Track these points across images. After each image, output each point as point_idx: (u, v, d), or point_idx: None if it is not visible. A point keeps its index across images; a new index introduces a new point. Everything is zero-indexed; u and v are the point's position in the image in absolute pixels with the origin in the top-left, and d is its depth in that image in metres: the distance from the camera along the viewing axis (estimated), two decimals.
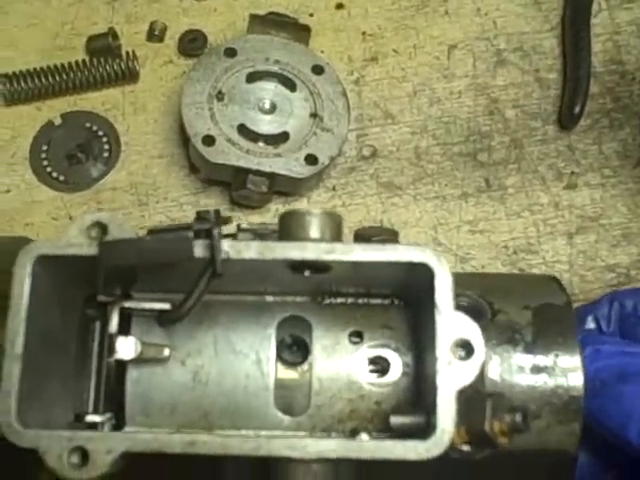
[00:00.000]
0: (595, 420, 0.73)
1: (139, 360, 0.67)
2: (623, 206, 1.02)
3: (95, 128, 1.03)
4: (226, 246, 0.61)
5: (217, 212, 0.69)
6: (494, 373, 0.69)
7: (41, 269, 0.62)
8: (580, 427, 0.69)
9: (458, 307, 0.63)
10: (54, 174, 1.01)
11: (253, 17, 1.02)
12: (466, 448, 0.67)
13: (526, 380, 0.70)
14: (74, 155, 1.02)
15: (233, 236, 0.72)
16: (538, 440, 0.69)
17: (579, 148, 1.04)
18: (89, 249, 0.61)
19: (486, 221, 1.01)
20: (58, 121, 1.04)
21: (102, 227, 0.62)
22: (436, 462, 0.61)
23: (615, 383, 0.73)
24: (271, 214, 1.00)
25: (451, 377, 0.59)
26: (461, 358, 0.59)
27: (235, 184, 0.95)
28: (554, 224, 1.01)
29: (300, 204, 1.01)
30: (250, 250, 0.61)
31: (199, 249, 0.61)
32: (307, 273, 0.64)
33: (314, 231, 0.63)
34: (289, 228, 0.64)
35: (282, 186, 0.97)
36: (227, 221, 0.68)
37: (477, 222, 1.01)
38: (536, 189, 1.02)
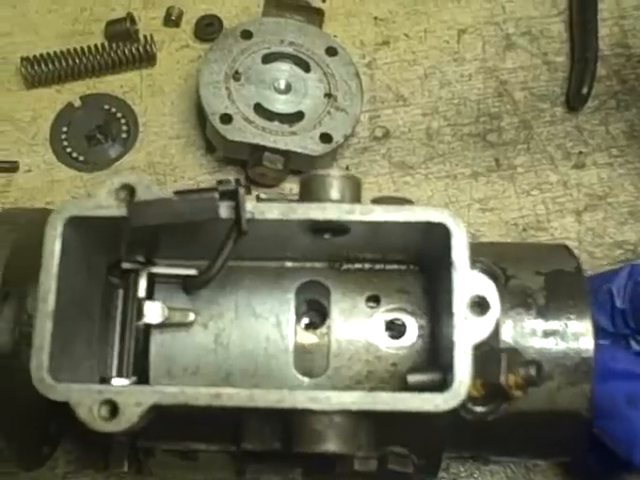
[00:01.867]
0: (602, 437, 0.75)
1: (164, 324, 0.69)
2: (630, 185, 1.03)
3: (114, 110, 1.05)
4: (250, 207, 0.63)
5: (237, 180, 0.71)
6: (507, 336, 0.71)
7: (71, 231, 0.64)
8: (590, 388, 0.71)
9: None
10: (74, 154, 1.04)
11: (268, 1, 1.05)
12: (480, 409, 0.69)
13: (538, 343, 0.72)
14: (93, 136, 1.04)
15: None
16: (549, 401, 0.71)
17: (587, 129, 1.06)
18: (119, 210, 0.63)
19: (496, 199, 1.03)
20: (78, 103, 1.06)
21: (130, 189, 0.64)
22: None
23: (624, 406, 0.74)
24: (286, 192, 1.02)
25: (467, 332, 0.61)
26: (477, 314, 0.62)
27: (251, 161, 0.98)
28: (562, 202, 1.03)
29: None
30: (273, 211, 0.63)
31: (224, 210, 0.63)
32: (327, 235, 0.67)
33: (334, 193, 0.65)
34: (310, 190, 0.66)
35: (297, 164, 0.99)
36: (248, 188, 0.70)
37: (487, 200, 1.03)
38: (545, 168, 1.04)
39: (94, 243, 0.68)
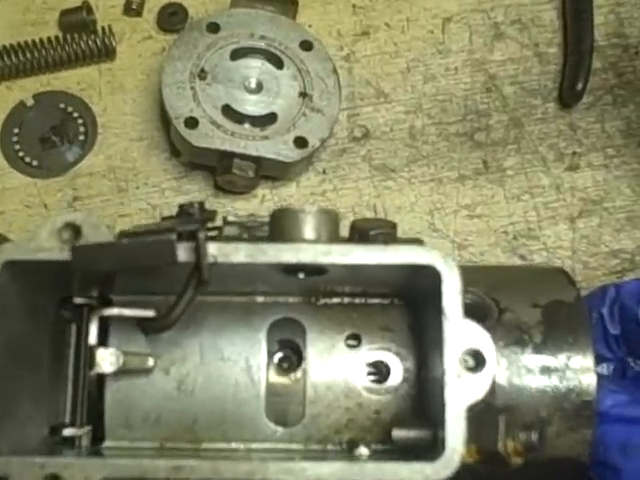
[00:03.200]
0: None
1: (120, 371, 0.62)
2: (627, 188, 0.97)
3: (70, 109, 0.97)
4: (213, 249, 0.56)
5: (202, 205, 0.64)
6: (502, 377, 0.65)
7: (9, 275, 0.56)
8: (592, 434, 0.65)
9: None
10: (27, 159, 0.95)
11: None
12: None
13: (536, 383, 0.66)
14: (48, 138, 0.96)
15: (219, 229, 0.67)
16: (549, 449, 0.65)
17: (581, 126, 0.99)
18: (61, 254, 0.55)
19: (484, 205, 0.96)
20: (30, 102, 0.97)
21: (75, 229, 0.56)
22: None
23: (617, 453, 0.69)
24: (258, 200, 0.95)
25: (461, 391, 0.54)
26: (471, 369, 0.55)
27: (220, 169, 0.90)
28: (555, 208, 0.96)
29: (288, 189, 0.95)
30: (239, 253, 0.56)
31: (183, 253, 0.55)
32: (301, 275, 0.59)
33: (309, 231, 0.58)
34: (282, 227, 0.59)
35: (269, 170, 0.92)
36: (212, 217, 0.63)
37: (475, 206, 0.96)
38: (536, 170, 0.97)
39: (39, 283, 0.60)
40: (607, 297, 0.81)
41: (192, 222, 0.56)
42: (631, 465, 0.68)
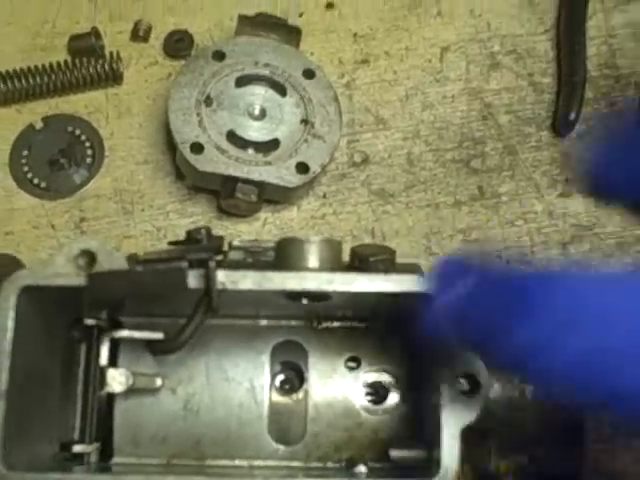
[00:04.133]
0: None
1: (129, 390, 0.64)
2: (617, 215, 1.00)
3: (78, 132, 0.99)
4: (222, 277, 0.58)
5: (209, 231, 0.66)
6: (495, 399, 0.67)
7: (25, 299, 0.59)
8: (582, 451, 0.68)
9: None
10: (35, 180, 0.97)
11: (242, 18, 0.99)
12: None
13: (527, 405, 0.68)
14: (56, 161, 0.98)
15: (224, 253, 0.70)
16: (539, 467, 0.67)
17: (574, 155, 1.02)
18: (77, 279, 0.58)
19: (479, 230, 0.99)
20: (39, 125, 1.00)
21: (91, 255, 0.59)
22: None
23: None
24: (260, 223, 0.97)
25: (456, 414, 0.57)
26: (466, 393, 0.57)
27: (224, 193, 0.92)
28: (548, 233, 0.99)
29: (289, 212, 0.98)
30: (247, 281, 0.59)
31: (194, 280, 0.58)
32: (305, 301, 0.62)
33: (313, 260, 0.61)
34: (286, 255, 0.62)
35: (272, 194, 0.94)
36: (220, 244, 0.66)
37: (470, 231, 0.99)
38: (530, 197, 1.00)
39: (52, 306, 0.63)
40: None
41: (202, 250, 0.59)
42: None
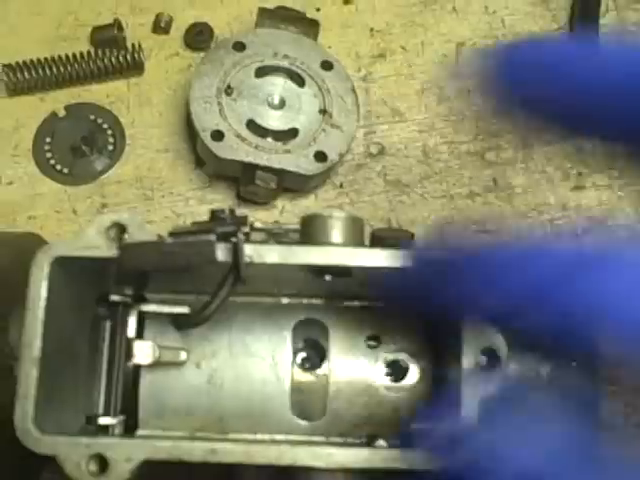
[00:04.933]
0: None
1: (154, 364, 0.66)
2: (630, 207, 1.01)
3: (100, 121, 1.01)
4: (249, 250, 0.60)
5: (232, 211, 0.68)
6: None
7: (57, 270, 0.61)
8: None
9: None
10: (58, 167, 0.99)
11: (262, 11, 1.01)
12: None
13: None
14: (78, 148, 1.00)
15: (246, 235, 0.71)
16: None
17: (587, 148, 1.03)
18: (109, 251, 0.60)
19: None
20: (62, 113, 1.02)
21: (121, 228, 0.60)
22: None
23: None
24: (277, 210, 0.99)
25: (475, 386, 0.58)
26: (486, 367, 0.59)
27: (243, 180, 0.94)
28: (561, 225, 1.01)
29: (307, 201, 1.00)
30: (273, 254, 0.60)
31: (222, 252, 0.60)
32: (328, 277, 0.64)
33: (336, 235, 0.62)
34: (311, 231, 0.63)
35: (290, 183, 0.96)
36: (245, 221, 0.67)
37: (484, 221, 1.00)
38: (543, 189, 1.02)
39: (82, 278, 0.65)
40: None
41: (229, 224, 0.60)
42: None
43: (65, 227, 0.97)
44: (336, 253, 0.61)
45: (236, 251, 0.59)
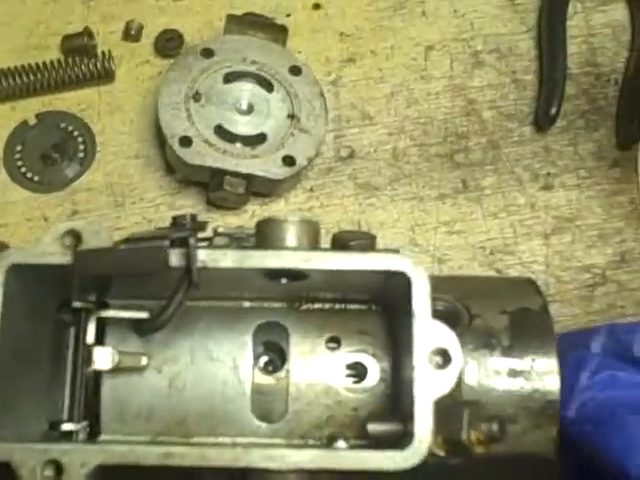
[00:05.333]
0: (596, 448, 0.72)
1: (115, 369, 0.66)
2: (598, 207, 1.02)
3: (70, 128, 1.02)
4: (202, 255, 0.61)
5: (194, 217, 0.68)
6: (471, 378, 0.69)
7: (14, 277, 0.61)
8: (556, 431, 0.70)
9: (435, 312, 0.63)
10: (28, 174, 1.00)
11: (230, 17, 1.01)
12: (442, 454, 0.67)
13: (503, 384, 0.70)
14: (49, 155, 1.00)
15: (209, 240, 0.72)
16: (514, 445, 0.69)
17: (555, 149, 1.04)
18: (63, 258, 0.60)
19: (463, 222, 1.01)
20: (33, 121, 1.02)
21: (76, 235, 0.61)
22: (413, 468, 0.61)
23: (626, 414, 0.71)
24: (248, 215, 1.00)
25: (428, 386, 0.59)
26: (438, 367, 0.60)
27: (212, 185, 0.95)
28: (530, 225, 1.01)
29: (277, 205, 1.00)
30: (227, 259, 0.61)
31: (175, 258, 0.60)
32: (284, 281, 0.64)
33: (291, 239, 0.63)
34: (266, 235, 0.64)
35: (259, 187, 0.97)
36: (203, 227, 0.68)
37: (454, 223, 1.01)
38: (513, 190, 1.03)
39: (41, 286, 0.65)
40: (601, 332, 0.81)
41: (184, 230, 0.61)
42: (638, 417, 0.70)
43: (36, 234, 0.98)
44: (289, 257, 0.61)
45: (189, 256, 0.59)
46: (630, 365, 0.76)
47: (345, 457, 0.58)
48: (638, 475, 0.67)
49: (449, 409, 0.61)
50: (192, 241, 0.59)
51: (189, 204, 1.00)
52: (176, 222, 0.67)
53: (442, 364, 0.60)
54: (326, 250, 0.63)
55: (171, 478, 0.67)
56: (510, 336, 0.72)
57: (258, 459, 0.58)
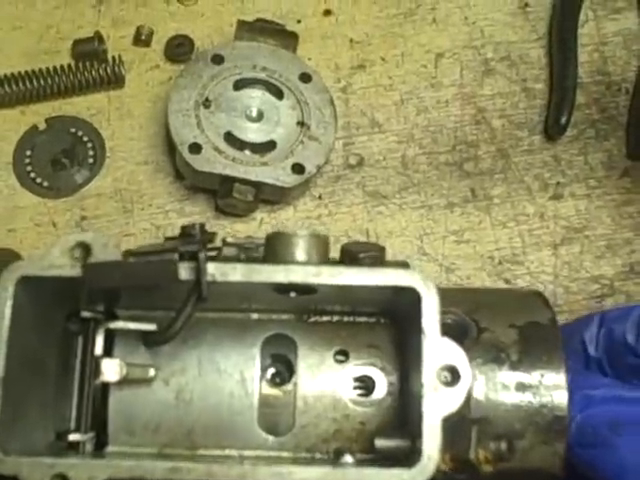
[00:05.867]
0: (589, 469, 0.71)
1: (123, 381, 0.66)
2: (608, 217, 1.02)
3: (80, 133, 1.02)
4: (212, 268, 0.61)
5: (202, 227, 0.69)
6: (479, 392, 0.69)
7: (23, 289, 0.61)
8: (564, 447, 0.70)
9: (444, 326, 0.63)
10: (38, 180, 1.00)
11: (241, 23, 1.01)
12: (449, 471, 0.67)
13: (511, 399, 0.70)
14: (58, 160, 1.00)
15: (218, 250, 0.72)
16: (521, 460, 0.69)
17: (565, 158, 1.04)
18: (72, 270, 0.60)
19: (472, 231, 1.01)
20: (42, 126, 1.03)
21: (86, 247, 0.61)
22: None
23: (608, 433, 0.70)
24: (256, 222, 1.00)
25: (437, 404, 0.59)
26: (447, 384, 0.59)
27: (221, 192, 0.95)
28: (539, 235, 1.01)
29: (286, 213, 1.00)
30: (236, 273, 0.61)
31: (184, 271, 0.60)
32: (293, 294, 0.64)
33: (300, 253, 0.63)
34: (275, 249, 0.64)
35: (268, 195, 0.97)
36: (212, 238, 0.68)
37: (463, 232, 1.01)
38: (522, 199, 1.02)
39: (50, 296, 0.65)
40: (591, 323, 0.83)
41: (193, 243, 0.61)
42: (626, 439, 0.70)
43: (45, 240, 0.98)
44: (299, 271, 0.61)
45: (198, 270, 0.59)
46: (617, 370, 0.78)
47: (352, 475, 0.58)
48: None
49: (457, 426, 0.61)
50: (202, 255, 0.59)
51: (198, 211, 1.00)
52: (185, 232, 0.67)
53: (451, 381, 0.59)
54: (335, 265, 0.63)
55: None
56: (519, 350, 0.71)
57: (265, 475, 0.58)
